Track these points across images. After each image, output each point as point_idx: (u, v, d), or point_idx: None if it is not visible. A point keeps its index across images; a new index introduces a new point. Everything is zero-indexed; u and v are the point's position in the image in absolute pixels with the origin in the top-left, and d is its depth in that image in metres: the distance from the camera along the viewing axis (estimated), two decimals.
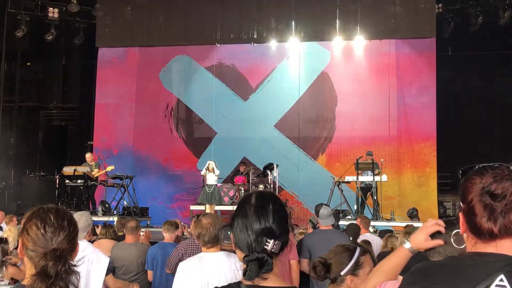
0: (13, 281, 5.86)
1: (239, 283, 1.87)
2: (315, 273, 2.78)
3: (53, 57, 20.36)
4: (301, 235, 8.00)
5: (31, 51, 19.93)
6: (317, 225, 7.97)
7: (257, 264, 1.81)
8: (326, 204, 6.50)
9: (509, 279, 1.55)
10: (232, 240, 1.95)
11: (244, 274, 1.83)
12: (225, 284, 1.98)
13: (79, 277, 1.95)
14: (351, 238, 6.50)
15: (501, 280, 1.56)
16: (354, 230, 7.14)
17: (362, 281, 2.70)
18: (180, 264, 4.02)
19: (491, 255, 1.62)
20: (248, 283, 1.84)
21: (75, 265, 1.96)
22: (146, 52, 18.68)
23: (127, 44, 18.76)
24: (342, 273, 2.75)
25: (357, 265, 2.76)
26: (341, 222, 10.95)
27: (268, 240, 1.84)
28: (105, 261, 4.81)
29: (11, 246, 7.01)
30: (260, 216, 1.89)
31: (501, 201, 1.63)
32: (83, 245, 4.85)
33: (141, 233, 7.37)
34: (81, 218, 5.00)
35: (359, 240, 7.18)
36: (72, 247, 2.02)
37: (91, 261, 4.75)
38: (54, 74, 20.94)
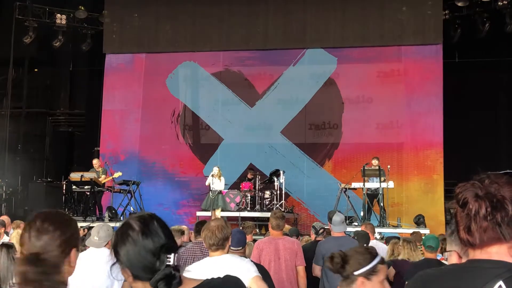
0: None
1: None
2: (331, 264, 2.79)
3: (60, 63, 20.46)
4: (306, 242, 8.01)
5: (38, 57, 20.05)
6: (320, 230, 7.98)
7: (166, 282, 1.78)
8: (339, 211, 6.54)
9: (508, 285, 1.56)
10: (129, 275, 1.85)
11: None
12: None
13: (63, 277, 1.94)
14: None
15: (500, 286, 1.57)
16: (365, 238, 7.14)
17: (372, 287, 2.71)
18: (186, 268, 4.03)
19: (489, 261, 1.63)
20: None
21: (56, 265, 1.93)
22: (153, 59, 18.74)
23: (134, 50, 18.83)
24: (356, 273, 2.75)
25: (373, 271, 2.76)
26: (348, 229, 10.93)
27: (168, 256, 1.81)
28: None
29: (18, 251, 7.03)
30: (150, 236, 1.84)
31: (465, 211, 1.66)
32: (104, 253, 4.97)
33: None
34: (101, 228, 5.19)
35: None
36: (61, 253, 1.97)
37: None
38: (61, 80, 21.04)
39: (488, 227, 1.62)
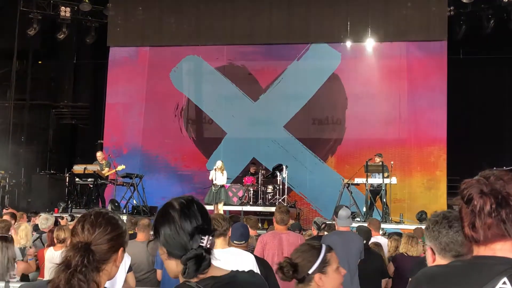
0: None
1: (185, 282, 1.88)
2: (283, 274, 2.77)
3: (64, 56, 20.46)
4: (308, 236, 8.01)
5: (42, 49, 20.06)
6: (322, 226, 7.99)
7: (196, 261, 1.84)
8: (346, 206, 6.53)
9: None
10: (164, 252, 1.94)
11: (184, 273, 1.85)
12: None
13: (99, 276, 1.97)
14: (364, 241, 6.52)
15: (504, 283, 1.57)
16: (367, 233, 7.17)
17: (330, 278, 2.71)
18: None
19: (493, 258, 1.64)
20: (195, 280, 1.86)
21: (100, 262, 1.97)
22: (157, 52, 18.74)
23: (138, 43, 18.85)
24: (310, 272, 2.73)
25: (325, 263, 2.74)
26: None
27: (202, 237, 1.89)
28: (127, 260, 5.11)
29: (22, 242, 7.07)
30: (189, 216, 1.92)
31: (470, 207, 1.66)
32: None
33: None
34: None
35: (370, 242, 7.20)
36: (110, 248, 2.03)
37: None
38: (65, 73, 21.03)
39: (493, 223, 1.62)
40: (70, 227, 5.21)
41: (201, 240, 1.88)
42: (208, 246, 1.89)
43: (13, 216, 8.92)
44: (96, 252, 1.97)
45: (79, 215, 2.15)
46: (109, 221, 2.07)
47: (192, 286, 1.85)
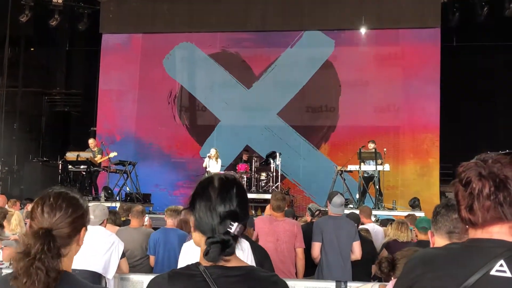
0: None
1: (197, 263, 1.87)
2: (380, 269, 2.80)
3: (57, 42, 20.30)
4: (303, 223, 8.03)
5: (35, 36, 19.87)
6: (316, 212, 8.01)
7: (220, 246, 1.82)
8: (341, 193, 6.56)
9: (509, 264, 1.57)
10: (193, 222, 1.94)
11: (206, 254, 1.83)
12: None
13: (61, 262, 1.92)
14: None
15: (501, 265, 1.57)
16: (356, 219, 7.22)
17: None
18: (184, 244, 4.05)
19: (490, 241, 1.64)
20: (206, 264, 1.84)
21: (62, 247, 1.93)
22: (150, 39, 18.65)
23: (131, 30, 18.75)
24: None
25: None
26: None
27: (232, 223, 1.86)
28: (120, 246, 5.13)
29: (14, 228, 7.05)
30: (225, 199, 1.89)
31: (468, 190, 1.66)
32: (100, 231, 5.16)
33: (146, 218, 7.43)
34: (96, 207, 5.37)
35: (359, 228, 7.25)
36: (72, 231, 1.99)
37: (109, 245, 5.12)
38: (58, 60, 20.88)
39: (491, 206, 1.62)
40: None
41: (230, 226, 1.85)
42: (236, 233, 1.86)
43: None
44: (58, 237, 1.92)
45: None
46: (70, 202, 2.02)
47: (198, 271, 1.84)
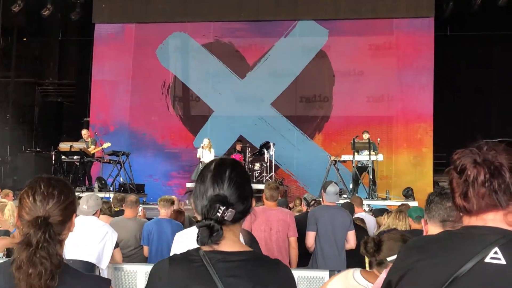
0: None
1: (198, 249, 1.85)
2: (365, 249, 2.80)
3: (49, 32, 20.20)
4: (298, 213, 8.05)
5: (27, 26, 19.76)
6: (311, 202, 8.02)
7: (207, 230, 1.79)
8: (335, 183, 6.57)
9: (503, 251, 1.57)
10: (193, 206, 1.92)
11: (197, 238, 1.82)
12: None
13: (61, 248, 1.93)
14: None
15: (495, 252, 1.57)
16: (350, 208, 7.24)
17: None
18: (177, 234, 4.05)
19: (484, 228, 1.64)
20: (206, 248, 1.83)
21: (59, 234, 1.93)
22: (143, 29, 18.57)
23: (124, 20, 18.64)
24: (388, 259, 2.79)
25: None
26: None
27: (220, 207, 1.82)
28: (114, 236, 5.15)
29: (7, 219, 7.03)
30: (215, 183, 1.86)
31: (463, 177, 1.66)
32: (93, 221, 5.17)
33: (140, 209, 7.43)
34: (90, 198, 5.40)
35: (354, 217, 7.26)
36: (65, 218, 1.98)
37: (102, 235, 5.17)
38: (50, 50, 20.79)
39: (485, 193, 1.62)
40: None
41: (219, 210, 1.81)
42: (225, 218, 1.81)
43: None
44: (54, 224, 1.92)
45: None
46: (61, 189, 2.01)
47: (198, 256, 1.83)
